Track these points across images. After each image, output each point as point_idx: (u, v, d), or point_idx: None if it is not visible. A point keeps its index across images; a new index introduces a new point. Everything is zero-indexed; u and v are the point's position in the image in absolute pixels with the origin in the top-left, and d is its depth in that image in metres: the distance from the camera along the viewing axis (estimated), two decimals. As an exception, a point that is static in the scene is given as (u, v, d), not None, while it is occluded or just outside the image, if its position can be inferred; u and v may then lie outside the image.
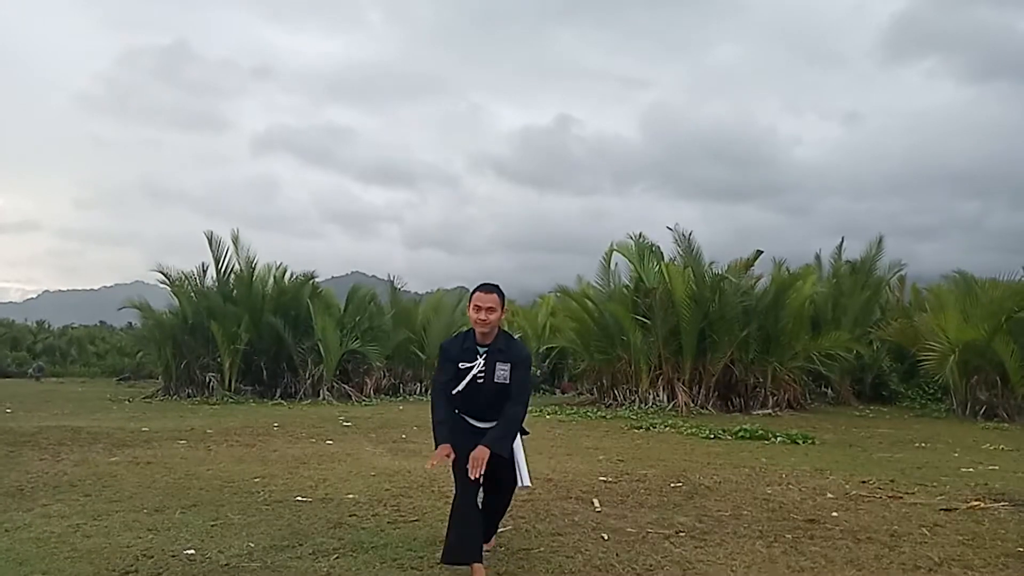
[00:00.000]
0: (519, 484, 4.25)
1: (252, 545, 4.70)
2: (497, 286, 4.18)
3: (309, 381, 17.59)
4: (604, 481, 6.96)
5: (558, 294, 19.40)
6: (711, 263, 15.92)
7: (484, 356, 4.10)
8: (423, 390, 19.56)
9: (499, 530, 4.80)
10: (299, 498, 6.08)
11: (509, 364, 4.11)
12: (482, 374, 4.10)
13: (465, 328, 4.31)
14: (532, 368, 4.40)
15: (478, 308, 4.08)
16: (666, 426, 11.98)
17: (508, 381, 4.11)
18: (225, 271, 18.54)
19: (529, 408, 4.30)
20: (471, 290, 4.24)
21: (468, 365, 4.10)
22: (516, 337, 4.34)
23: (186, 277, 18.54)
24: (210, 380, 17.45)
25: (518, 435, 4.23)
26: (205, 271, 18.63)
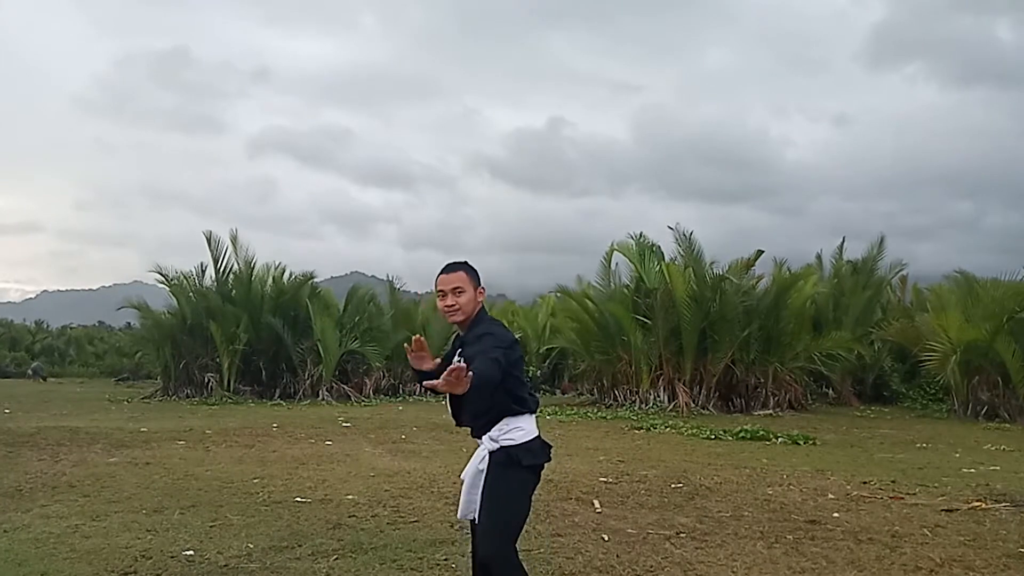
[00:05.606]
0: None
1: (251, 546, 4.68)
2: (464, 262, 3.41)
3: (308, 381, 17.54)
4: (604, 482, 6.94)
5: (558, 294, 19.35)
6: (711, 263, 15.90)
7: (459, 349, 3.33)
8: (422, 391, 19.48)
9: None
10: (298, 499, 6.06)
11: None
12: None
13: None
14: (523, 358, 3.47)
15: (443, 294, 3.32)
16: (667, 427, 11.95)
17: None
18: (224, 271, 18.46)
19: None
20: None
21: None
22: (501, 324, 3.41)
23: (185, 277, 18.46)
24: (209, 380, 17.38)
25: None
26: (204, 271, 18.56)
